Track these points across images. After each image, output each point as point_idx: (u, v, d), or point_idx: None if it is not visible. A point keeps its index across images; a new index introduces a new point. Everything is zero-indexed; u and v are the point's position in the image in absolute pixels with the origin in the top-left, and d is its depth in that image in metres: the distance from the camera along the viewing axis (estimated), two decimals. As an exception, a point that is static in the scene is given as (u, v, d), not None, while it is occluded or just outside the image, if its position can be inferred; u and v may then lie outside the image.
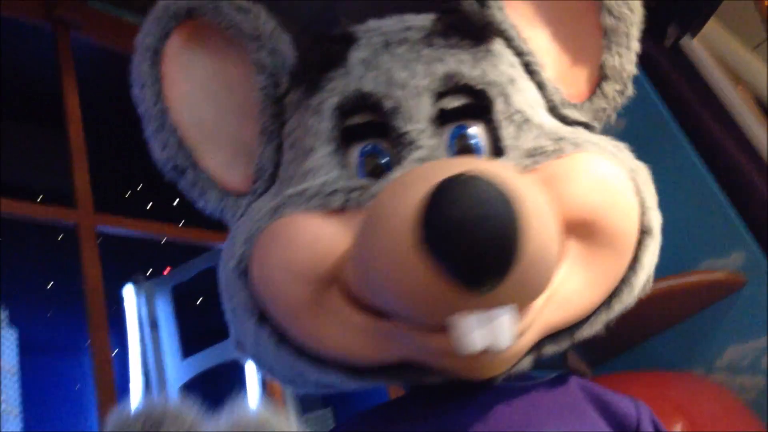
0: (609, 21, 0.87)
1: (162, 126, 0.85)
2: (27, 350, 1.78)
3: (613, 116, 0.88)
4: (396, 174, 0.70)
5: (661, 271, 0.83)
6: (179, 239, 2.03)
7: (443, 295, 0.57)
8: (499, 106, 0.79)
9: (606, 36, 0.87)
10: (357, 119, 0.79)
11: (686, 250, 1.76)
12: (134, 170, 2.42)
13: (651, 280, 0.80)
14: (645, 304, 1.49)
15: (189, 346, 2.28)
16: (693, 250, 1.76)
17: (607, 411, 0.73)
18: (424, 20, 0.87)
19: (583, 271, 0.71)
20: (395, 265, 0.59)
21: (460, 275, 0.55)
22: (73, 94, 1.74)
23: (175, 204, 2.06)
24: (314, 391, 0.79)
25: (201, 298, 2.71)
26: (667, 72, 1.88)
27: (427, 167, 0.66)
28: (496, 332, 0.59)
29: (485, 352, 0.60)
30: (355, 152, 0.79)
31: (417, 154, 0.72)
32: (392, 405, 0.74)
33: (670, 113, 1.87)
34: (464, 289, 0.55)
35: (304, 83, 0.83)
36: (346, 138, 0.79)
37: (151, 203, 2.57)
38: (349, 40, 0.84)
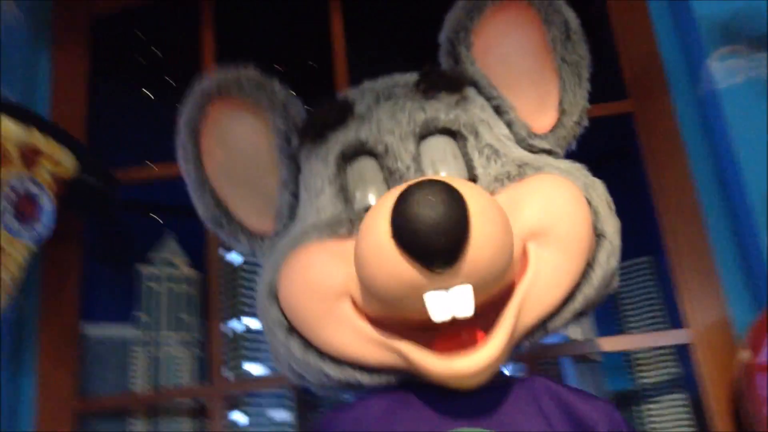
0: (563, 66, 1.02)
1: (203, 191, 1.06)
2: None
3: (573, 142, 1.04)
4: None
5: None
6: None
7: (415, 277, 0.72)
8: (471, 142, 0.95)
9: (561, 78, 1.02)
10: (358, 162, 0.96)
11: None
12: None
13: (615, 274, 0.93)
14: None
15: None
16: None
17: (568, 412, 0.84)
18: (408, 78, 1.04)
19: (548, 273, 0.84)
20: (377, 257, 0.74)
21: (420, 259, 0.70)
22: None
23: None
24: (341, 390, 0.96)
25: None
26: None
27: (403, 185, 0.78)
28: (457, 304, 0.73)
29: (465, 374, 0.77)
30: None
31: None
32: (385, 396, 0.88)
33: None
34: (427, 271, 0.71)
35: (313, 139, 1.01)
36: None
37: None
38: (347, 104, 1.01)
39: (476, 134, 0.96)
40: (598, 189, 0.93)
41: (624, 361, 1.78)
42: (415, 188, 0.71)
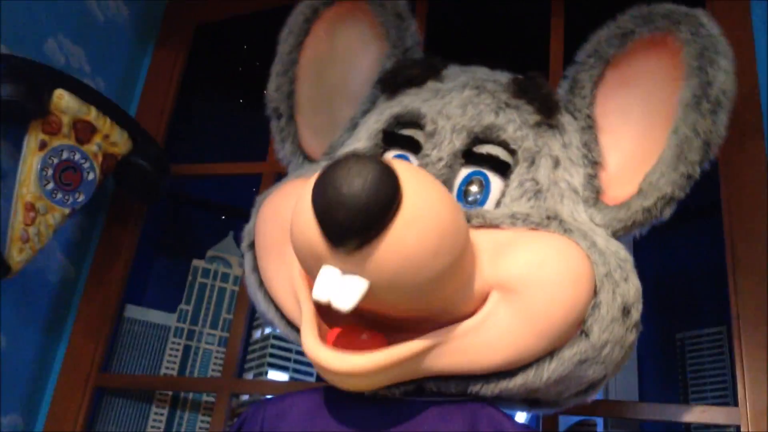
0: (671, 138, 0.84)
1: (286, 72, 1.00)
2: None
3: (634, 231, 0.87)
4: None
5: None
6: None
7: (315, 241, 0.65)
8: (520, 170, 0.83)
9: (660, 155, 0.85)
10: (405, 131, 0.89)
11: None
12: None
13: (589, 384, 0.82)
14: None
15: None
16: None
17: None
18: (508, 77, 0.93)
19: (494, 331, 0.74)
20: (298, 209, 0.69)
21: (319, 222, 0.63)
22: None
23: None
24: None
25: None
26: None
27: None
28: (339, 291, 0.64)
29: (337, 373, 0.69)
30: (389, 155, 0.88)
31: None
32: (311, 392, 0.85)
33: None
34: (328, 241, 0.64)
35: (387, 91, 0.95)
36: (389, 141, 0.90)
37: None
38: (433, 70, 0.94)
39: (531, 164, 0.84)
40: (622, 288, 0.76)
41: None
42: (353, 157, 0.64)
